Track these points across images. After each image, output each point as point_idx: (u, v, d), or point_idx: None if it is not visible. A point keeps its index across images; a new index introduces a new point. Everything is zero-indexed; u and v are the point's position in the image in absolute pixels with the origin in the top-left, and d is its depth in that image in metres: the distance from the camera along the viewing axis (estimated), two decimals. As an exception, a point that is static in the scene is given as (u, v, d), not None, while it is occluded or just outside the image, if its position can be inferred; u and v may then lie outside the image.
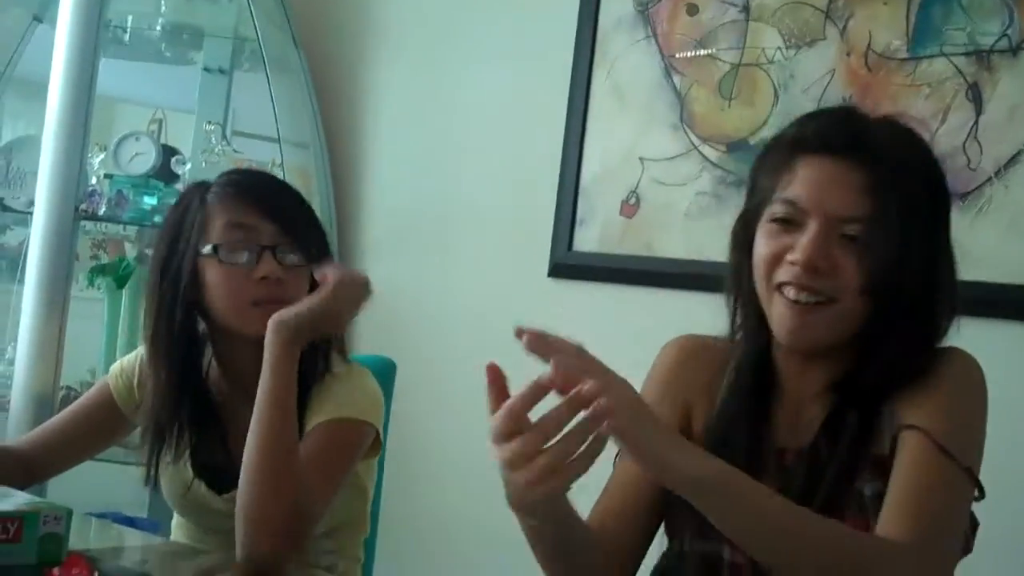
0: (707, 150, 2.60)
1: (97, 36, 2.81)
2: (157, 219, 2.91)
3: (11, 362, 2.84)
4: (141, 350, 1.87)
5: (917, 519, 1.23)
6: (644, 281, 2.67)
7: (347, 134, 3.32)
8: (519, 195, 2.94)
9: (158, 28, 3.24)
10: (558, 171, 2.83)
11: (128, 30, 3.17)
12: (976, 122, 2.23)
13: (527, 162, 2.93)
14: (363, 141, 3.31)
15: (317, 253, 1.78)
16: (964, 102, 2.25)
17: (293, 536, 1.61)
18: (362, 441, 1.75)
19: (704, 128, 2.62)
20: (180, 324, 1.77)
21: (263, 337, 1.65)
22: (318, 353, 1.77)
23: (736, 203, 2.45)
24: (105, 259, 3.15)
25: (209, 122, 3.14)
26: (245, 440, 1.64)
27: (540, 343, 1.08)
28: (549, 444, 1.06)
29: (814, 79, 2.45)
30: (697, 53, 2.64)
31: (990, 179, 2.20)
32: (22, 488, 1.56)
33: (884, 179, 1.30)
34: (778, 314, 1.34)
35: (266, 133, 3.18)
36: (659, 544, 1.46)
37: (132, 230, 3.12)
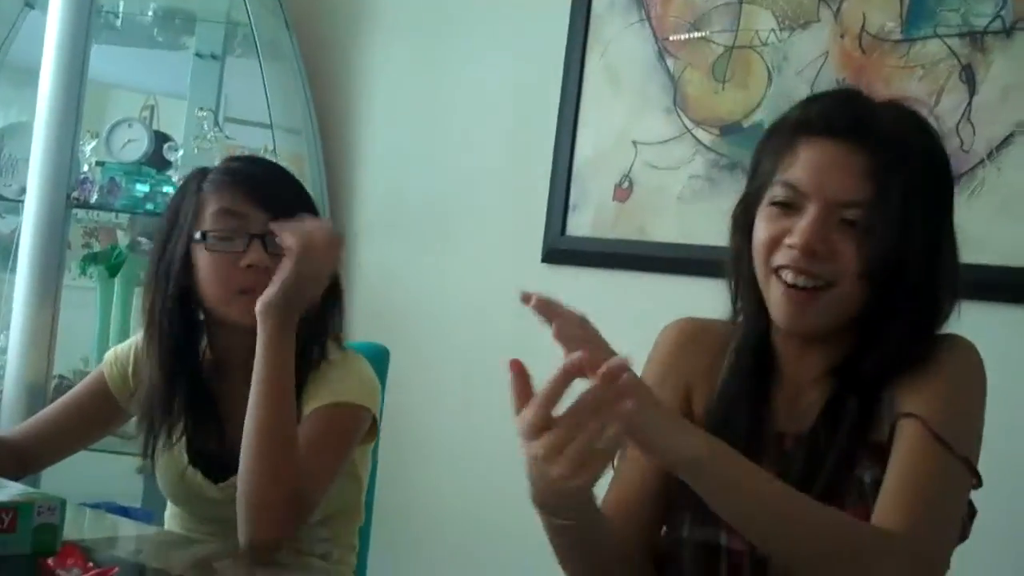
0: (700, 133, 2.59)
1: (89, 21, 2.80)
2: (149, 206, 2.90)
3: (3, 351, 2.84)
4: (136, 338, 1.87)
5: (913, 508, 1.23)
6: (637, 266, 2.66)
7: (340, 120, 3.31)
8: (512, 180, 2.93)
9: (150, 13, 3.22)
10: (551, 156, 2.82)
11: (120, 15, 3.16)
12: (969, 103, 2.22)
13: (520, 147, 2.92)
14: (356, 127, 3.30)
15: None
16: (957, 83, 2.24)
17: (294, 522, 1.61)
18: (359, 426, 1.75)
19: (697, 111, 2.61)
20: (174, 310, 1.77)
21: (252, 325, 1.64)
22: (314, 340, 1.76)
23: (729, 186, 2.49)
24: (97, 247, 3.14)
25: (201, 108, 3.12)
26: (240, 428, 1.63)
27: (546, 306, 1.11)
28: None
29: (808, 61, 2.44)
30: (691, 36, 2.63)
31: (983, 161, 2.19)
32: (16, 479, 1.56)
33: (886, 163, 1.29)
34: (776, 298, 1.34)
35: (258, 119, 3.17)
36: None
37: (124, 218, 3.11)
